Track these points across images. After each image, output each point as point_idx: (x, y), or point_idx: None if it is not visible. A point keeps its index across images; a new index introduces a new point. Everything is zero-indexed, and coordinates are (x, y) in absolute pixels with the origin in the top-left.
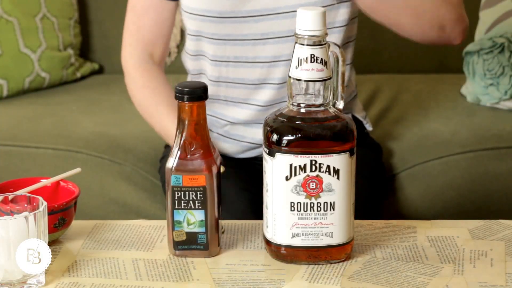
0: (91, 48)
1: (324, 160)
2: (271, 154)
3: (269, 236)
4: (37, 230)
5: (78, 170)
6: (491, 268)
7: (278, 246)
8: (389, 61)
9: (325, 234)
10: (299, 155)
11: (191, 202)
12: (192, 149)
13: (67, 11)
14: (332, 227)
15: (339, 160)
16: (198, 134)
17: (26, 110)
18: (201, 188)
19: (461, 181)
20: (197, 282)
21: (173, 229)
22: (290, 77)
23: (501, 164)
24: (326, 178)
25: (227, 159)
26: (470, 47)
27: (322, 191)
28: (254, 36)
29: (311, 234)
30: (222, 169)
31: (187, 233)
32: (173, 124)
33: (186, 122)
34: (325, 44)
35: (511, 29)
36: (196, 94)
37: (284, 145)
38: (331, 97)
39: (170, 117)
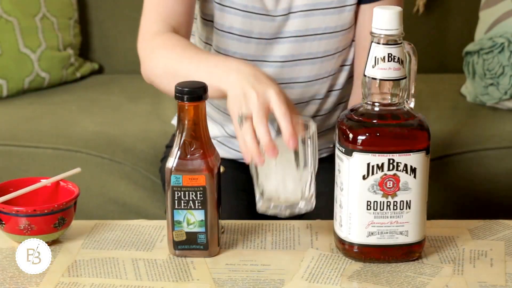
0: (91, 48)
1: (401, 159)
2: (348, 153)
3: (343, 235)
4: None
5: (78, 170)
6: (491, 268)
7: (352, 244)
8: None
9: (401, 233)
10: (376, 154)
11: (191, 202)
12: (192, 149)
13: (67, 11)
14: (407, 226)
15: (416, 159)
16: (198, 134)
17: (26, 110)
18: (201, 188)
19: (461, 181)
20: (197, 282)
21: (173, 229)
22: (365, 75)
23: (501, 164)
24: (403, 177)
25: (225, 160)
26: (470, 47)
27: (398, 189)
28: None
29: (387, 232)
30: (222, 169)
31: (187, 233)
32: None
33: (186, 122)
34: (401, 43)
35: (511, 29)
36: (196, 94)
37: (362, 144)
38: (405, 95)
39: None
